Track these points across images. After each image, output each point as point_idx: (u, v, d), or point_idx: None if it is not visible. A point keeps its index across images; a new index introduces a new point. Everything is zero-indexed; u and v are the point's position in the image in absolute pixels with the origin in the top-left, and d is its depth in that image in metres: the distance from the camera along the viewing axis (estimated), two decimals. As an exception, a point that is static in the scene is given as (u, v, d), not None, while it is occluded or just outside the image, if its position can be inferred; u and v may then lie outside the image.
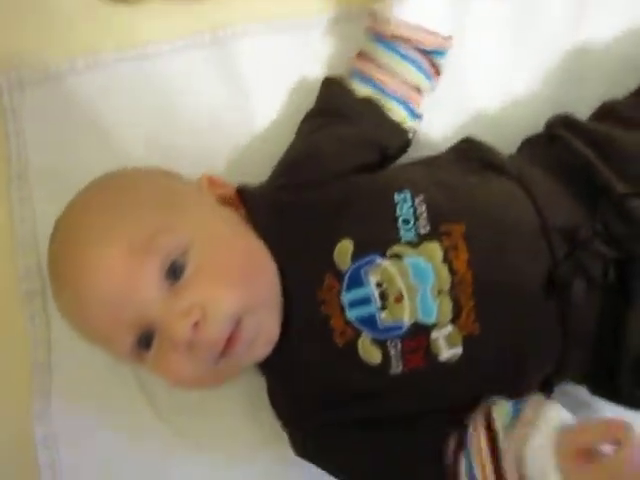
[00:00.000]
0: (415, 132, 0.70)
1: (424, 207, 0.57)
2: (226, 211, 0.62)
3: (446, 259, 0.55)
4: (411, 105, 0.68)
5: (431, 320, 0.55)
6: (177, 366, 0.55)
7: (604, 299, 0.55)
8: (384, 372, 0.56)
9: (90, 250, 0.56)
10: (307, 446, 0.62)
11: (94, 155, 0.72)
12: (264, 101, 0.74)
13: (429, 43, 0.67)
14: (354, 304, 0.56)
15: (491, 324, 0.55)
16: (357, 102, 0.68)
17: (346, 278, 0.56)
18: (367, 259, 0.56)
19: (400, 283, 0.55)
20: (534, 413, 0.54)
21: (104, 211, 0.58)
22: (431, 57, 0.68)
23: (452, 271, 0.55)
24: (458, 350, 0.55)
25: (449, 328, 0.55)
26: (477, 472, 0.55)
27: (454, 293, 0.55)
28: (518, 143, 0.69)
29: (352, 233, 0.57)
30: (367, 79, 0.68)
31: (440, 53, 0.68)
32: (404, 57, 0.67)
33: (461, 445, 0.56)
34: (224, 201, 0.63)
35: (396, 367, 0.56)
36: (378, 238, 0.57)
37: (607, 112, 0.67)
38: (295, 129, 0.70)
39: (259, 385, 0.65)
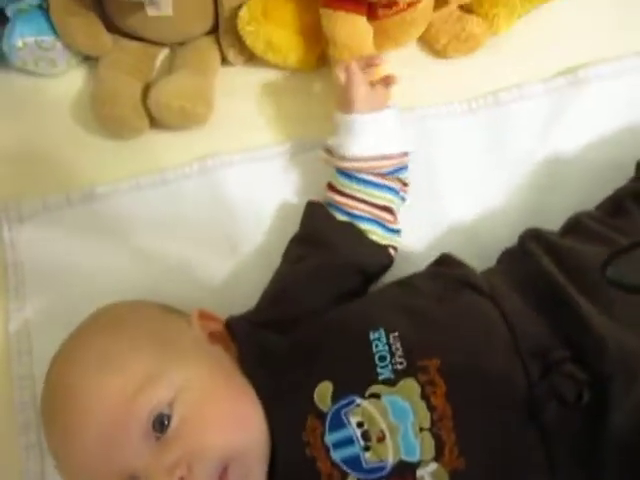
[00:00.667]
0: (396, 248, 0.72)
1: (399, 344, 0.58)
2: (216, 351, 0.63)
3: (424, 395, 0.55)
4: (385, 224, 0.71)
5: (415, 458, 0.54)
6: None
7: (581, 421, 0.54)
8: None
9: (80, 395, 0.57)
10: None
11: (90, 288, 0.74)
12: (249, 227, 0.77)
13: (386, 167, 0.70)
14: (338, 445, 0.56)
15: (475, 457, 0.54)
16: (337, 225, 0.70)
17: (328, 419, 0.56)
18: (346, 400, 0.56)
19: (381, 423, 0.55)
20: None
21: (97, 356, 0.59)
22: (393, 175, 0.70)
23: (430, 407, 0.55)
24: None
25: (434, 465, 0.54)
26: None
27: (435, 429, 0.54)
28: (495, 252, 0.70)
29: (331, 374, 0.58)
30: (338, 208, 0.71)
31: (401, 169, 0.71)
32: (367, 184, 0.70)
33: None
34: (214, 339, 0.64)
35: None
36: (356, 379, 0.57)
37: (574, 225, 0.68)
38: (280, 253, 0.72)
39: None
